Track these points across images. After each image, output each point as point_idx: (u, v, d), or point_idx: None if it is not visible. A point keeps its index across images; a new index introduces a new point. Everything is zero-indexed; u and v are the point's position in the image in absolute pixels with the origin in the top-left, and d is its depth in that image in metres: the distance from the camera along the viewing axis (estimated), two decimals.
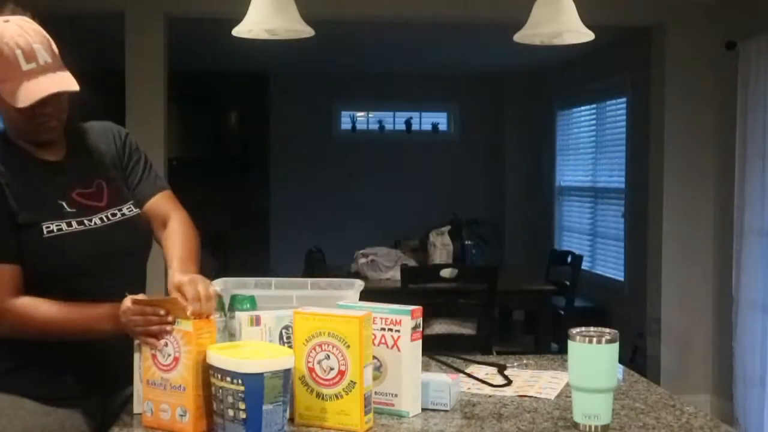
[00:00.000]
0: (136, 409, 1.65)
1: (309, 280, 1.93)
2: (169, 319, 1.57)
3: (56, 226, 1.70)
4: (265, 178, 8.28)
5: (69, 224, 1.72)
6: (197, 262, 1.84)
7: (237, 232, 8.04)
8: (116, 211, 1.81)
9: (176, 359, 1.55)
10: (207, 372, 1.54)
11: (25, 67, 1.65)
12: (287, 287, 1.88)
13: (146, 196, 1.91)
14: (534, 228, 8.12)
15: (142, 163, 1.94)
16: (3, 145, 1.76)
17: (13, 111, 1.68)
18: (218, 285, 1.87)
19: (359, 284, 1.88)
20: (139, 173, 1.93)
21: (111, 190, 1.84)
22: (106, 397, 1.79)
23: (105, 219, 1.78)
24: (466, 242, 5.33)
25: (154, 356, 1.57)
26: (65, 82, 1.69)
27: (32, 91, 1.65)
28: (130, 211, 1.84)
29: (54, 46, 1.72)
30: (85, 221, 1.75)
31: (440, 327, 4.41)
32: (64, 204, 1.75)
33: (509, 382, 1.91)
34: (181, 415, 1.54)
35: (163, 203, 1.93)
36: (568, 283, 5.04)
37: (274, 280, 1.93)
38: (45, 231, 1.69)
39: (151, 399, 1.58)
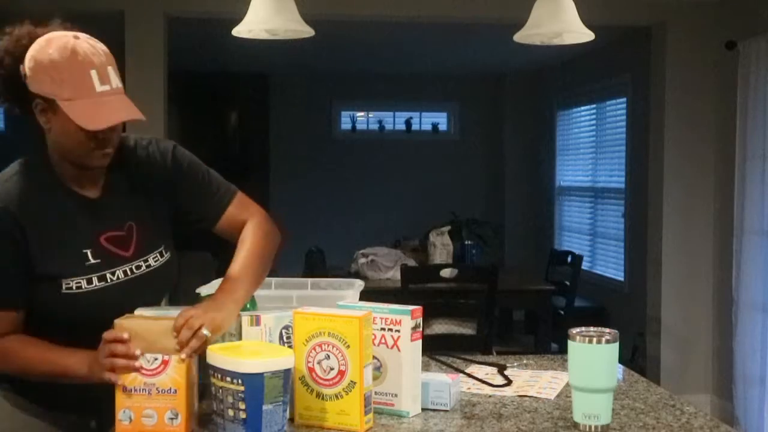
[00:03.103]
0: None
1: (309, 280, 1.93)
2: (136, 353, 1.51)
3: (75, 283, 1.63)
4: (265, 178, 8.27)
5: (90, 281, 1.65)
6: (257, 270, 1.74)
7: None
8: (141, 263, 1.73)
9: (165, 362, 1.52)
10: (193, 373, 1.55)
11: (99, 88, 1.58)
12: (287, 287, 1.89)
13: (217, 214, 1.80)
14: (534, 228, 8.12)
15: (199, 179, 1.81)
16: (40, 173, 1.67)
17: (73, 132, 1.58)
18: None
19: (359, 284, 1.89)
20: (200, 193, 1.81)
21: (140, 235, 1.74)
22: (101, 400, 1.77)
23: (129, 272, 1.71)
24: (466, 242, 5.34)
25: None
26: (134, 110, 1.63)
27: (106, 114, 1.57)
28: (156, 261, 1.75)
29: (116, 68, 1.65)
30: (108, 275, 1.67)
31: (440, 327, 4.40)
32: (89, 253, 1.66)
33: (509, 382, 1.91)
34: (172, 419, 1.52)
35: (235, 212, 1.82)
36: (568, 283, 5.05)
37: (274, 280, 1.93)
38: (64, 287, 1.62)
39: (129, 407, 1.53)
